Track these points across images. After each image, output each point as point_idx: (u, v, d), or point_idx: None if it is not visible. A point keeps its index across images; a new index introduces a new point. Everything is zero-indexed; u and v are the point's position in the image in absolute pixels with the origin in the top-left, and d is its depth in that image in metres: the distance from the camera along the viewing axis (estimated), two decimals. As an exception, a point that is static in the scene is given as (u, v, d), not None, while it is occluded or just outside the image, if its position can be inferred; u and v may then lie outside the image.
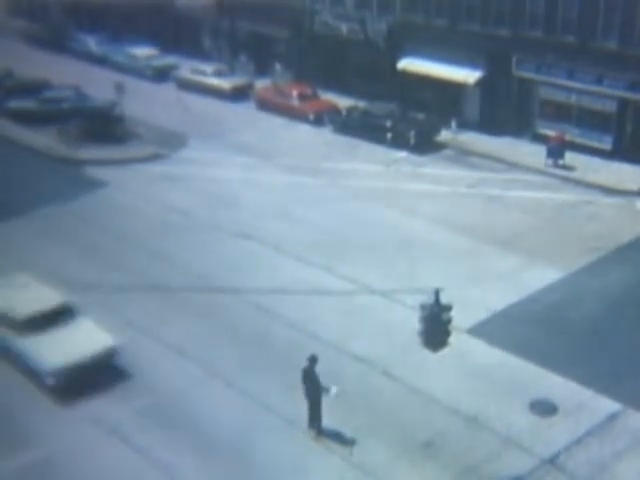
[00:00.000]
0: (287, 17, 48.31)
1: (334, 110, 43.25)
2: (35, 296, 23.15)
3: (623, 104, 36.27)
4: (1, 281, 24.40)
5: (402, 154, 38.96)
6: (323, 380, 19.52)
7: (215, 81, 48.43)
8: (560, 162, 36.72)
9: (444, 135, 40.31)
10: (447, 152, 39.50)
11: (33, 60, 54.64)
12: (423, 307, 18.54)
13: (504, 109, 40.59)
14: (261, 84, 48.52)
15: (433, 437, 19.80)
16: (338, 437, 19.76)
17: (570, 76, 37.37)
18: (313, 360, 19.41)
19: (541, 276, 27.26)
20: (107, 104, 41.51)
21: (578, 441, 19.60)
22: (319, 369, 19.48)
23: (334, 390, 19.44)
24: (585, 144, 37.77)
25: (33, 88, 44.27)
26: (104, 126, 40.46)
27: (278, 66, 50.11)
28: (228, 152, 39.24)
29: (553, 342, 23.64)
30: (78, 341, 21.91)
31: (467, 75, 40.59)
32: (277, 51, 50.59)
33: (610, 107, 36.79)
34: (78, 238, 30.33)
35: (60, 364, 21.18)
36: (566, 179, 35.89)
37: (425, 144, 39.40)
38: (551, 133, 37.95)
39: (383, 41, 44.15)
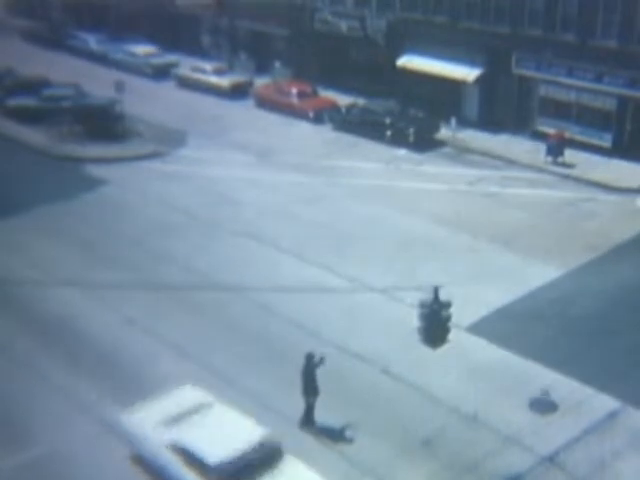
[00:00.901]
0: (287, 15, 48.32)
1: (334, 108, 43.23)
2: (228, 427, 17.41)
3: (623, 102, 36.26)
4: (168, 400, 18.57)
5: (402, 152, 38.96)
6: (321, 379, 19.57)
7: (214, 79, 48.43)
8: (560, 159, 36.71)
9: (443, 133, 40.27)
10: (446, 150, 39.50)
11: (33, 58, 54.62)
12: (423, 304, 18.54)
13: (504, 107, 40.59)
14: (261, 82, 48.53)
15: (433, 435, 19.79)
16: (338, 435, 19.78)
17: (570, 74, 37.35)
18: (310, 358, 19.45)
19: (540, 273, 27.26)
20: (107, 102, 41.49)
21: (578, 439, 19.59)
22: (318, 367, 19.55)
23: None
24: (585, 142, 37.77)
25: (33, 86, 44.24)
26: (104, 124, 40.46)
27: (278, 64, 50.11)
28: (228, 150, 39.22)
29: (553, 340, 23.64)
30: None
31: (467, 73, 40.57)
32: (277, 49, 50.61)
33: (610, 105, 36.79)
34: (78, 236, 30.30)
35: None
36: (566, 176, 35.88)
37: (424, 142, 39.39)
38: (551, 130, 37.93)
39: (383, 39, 44.14)
